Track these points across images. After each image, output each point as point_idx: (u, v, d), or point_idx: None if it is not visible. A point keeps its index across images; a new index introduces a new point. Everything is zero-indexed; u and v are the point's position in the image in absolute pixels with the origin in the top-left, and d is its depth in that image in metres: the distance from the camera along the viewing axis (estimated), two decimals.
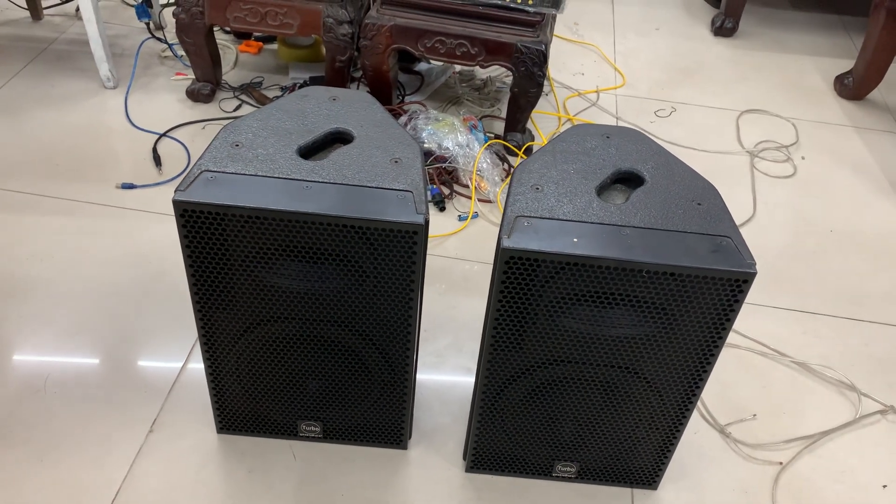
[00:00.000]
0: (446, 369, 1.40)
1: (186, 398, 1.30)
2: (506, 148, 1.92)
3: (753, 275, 0.91)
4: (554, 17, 1.97)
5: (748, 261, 0.92)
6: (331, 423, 1.22)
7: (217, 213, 0.94)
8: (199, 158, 1.00)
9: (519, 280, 0.95)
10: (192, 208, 0.93)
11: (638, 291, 0.95)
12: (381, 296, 1.02)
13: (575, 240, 0.93)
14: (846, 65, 2.40)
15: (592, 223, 0.96)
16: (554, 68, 2.33)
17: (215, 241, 0.97)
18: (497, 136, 1.95)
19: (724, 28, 2.61)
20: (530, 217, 0.96)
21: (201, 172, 0.97)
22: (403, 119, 1.89)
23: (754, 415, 1.37)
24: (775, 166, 2.03)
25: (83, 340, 1.38)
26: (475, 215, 1.75)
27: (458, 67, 2.23)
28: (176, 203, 0.93)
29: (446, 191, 1.80)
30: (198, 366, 1.35)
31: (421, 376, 1.36)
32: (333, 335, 1.08)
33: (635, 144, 1.11)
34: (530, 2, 1.68)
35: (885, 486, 1.27)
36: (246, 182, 0.96)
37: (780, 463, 1.29)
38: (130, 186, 1.72)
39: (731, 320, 0.96)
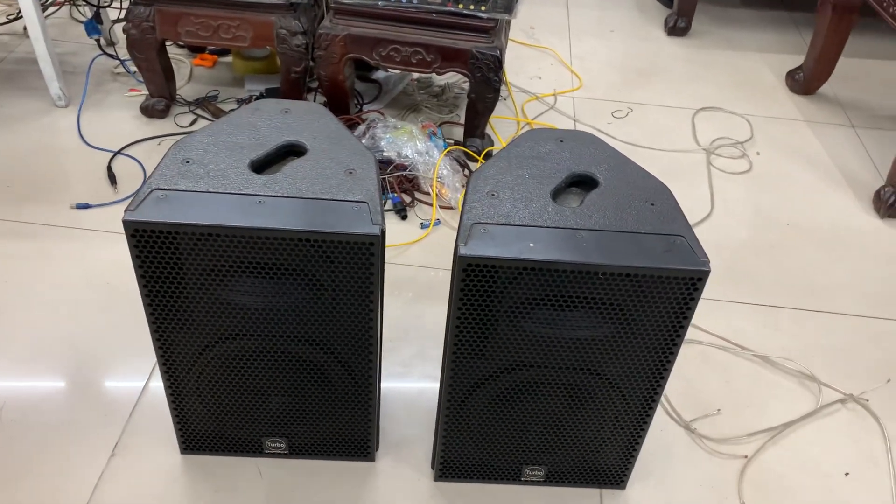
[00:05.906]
0: (412, 379, 1.40)
1: (148, 420, 1.28)
2: (466, 154, 1.93)
3: (707, 272, 0.92)
4: (508, 23, 1.98)
5: (701, 259, 0.93)
6: (296, 438, 1.21)
7: (168, 231, 0.92)
8: (149, 177, 0.99)
9: (478, 287, 0.95)
10: (143, 228, 0.92)
11: (595, 293, 0.95)
12: (341, 308, 1.01)
13: (531, 245, 0.93)
14: (797, 60, 2.44)
15: (548, 227, 0.96)
16: (511, 73, 2.34)
17: (168, 260, 0.96)
18: (457, 143, 1.95)
19: (678, 28, 2.65)
20: (486, 224, 0.96)
21: (151, 191, 0.96)
22: (362, 128, 1.88)
23: (718, 409, 1.38)
24: (731, 163, 2.06)
25: (40, 365, 1.35)
26: (437, 222, 1.75)
27: (415, 75, 2.23)
28: (126, 223, 0.92)
29: (407, 199, 1.80)
30: (159, 386, 1.32)
31: (387, 387, 1.36)
32: (294, 350, 1.07)
33: (588, 147, 1.12)
34: (483, 8, 1.69)
35: (847, 474, 1.30)
36: (197, 199, 0.95)
37: (746, 456, 1.31)
38: (86, 206, 1.70)
39: (688, 318, 0.97)
